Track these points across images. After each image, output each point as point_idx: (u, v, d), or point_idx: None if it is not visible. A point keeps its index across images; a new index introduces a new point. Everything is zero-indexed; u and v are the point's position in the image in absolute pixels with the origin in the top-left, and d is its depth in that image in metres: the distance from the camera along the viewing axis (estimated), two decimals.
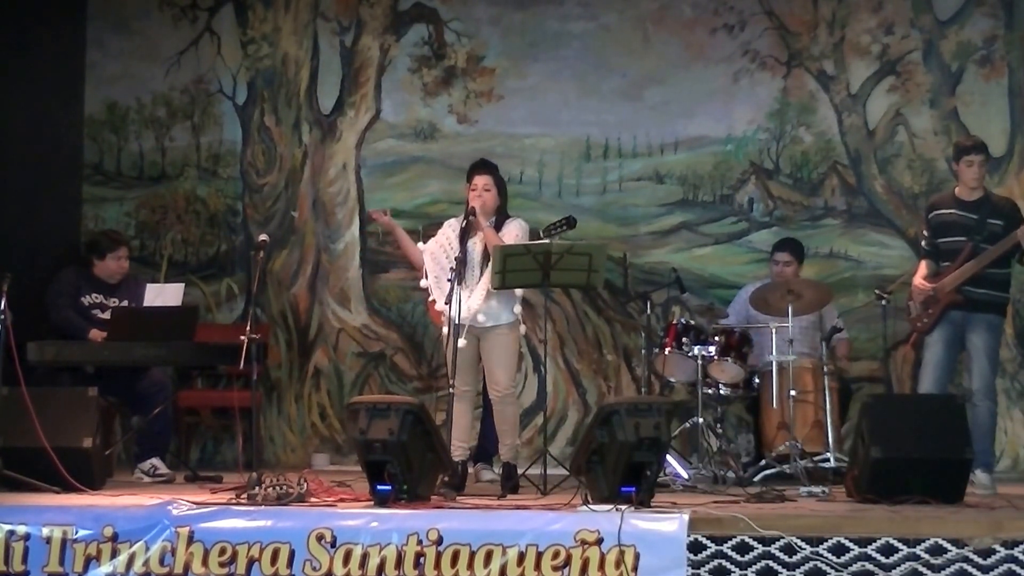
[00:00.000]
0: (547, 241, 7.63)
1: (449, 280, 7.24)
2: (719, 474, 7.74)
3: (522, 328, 7.58)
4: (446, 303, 7.23)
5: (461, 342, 7.26)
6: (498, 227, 7.46)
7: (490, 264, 7.28)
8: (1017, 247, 7.52)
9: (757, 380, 8.42)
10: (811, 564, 5.70)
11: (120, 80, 10.22)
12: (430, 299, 7.61)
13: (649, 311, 8.55)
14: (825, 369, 8.20)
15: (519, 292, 7.44)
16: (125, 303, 8.24)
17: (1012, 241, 7.50)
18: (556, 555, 5.70)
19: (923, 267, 7.87)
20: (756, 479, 7.84)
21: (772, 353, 8.08)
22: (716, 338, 8.26)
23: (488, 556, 5.73)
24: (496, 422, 7.64)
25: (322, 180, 10.07)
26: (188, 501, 6.17)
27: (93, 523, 5.97)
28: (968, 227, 7.66)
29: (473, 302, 7.30)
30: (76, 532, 5.95)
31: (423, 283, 7.55)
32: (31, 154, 9.22)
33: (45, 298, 8.20)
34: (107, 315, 8.11)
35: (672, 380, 8.54)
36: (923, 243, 7.98)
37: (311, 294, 10.00)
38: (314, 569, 5.80)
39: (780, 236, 9.39)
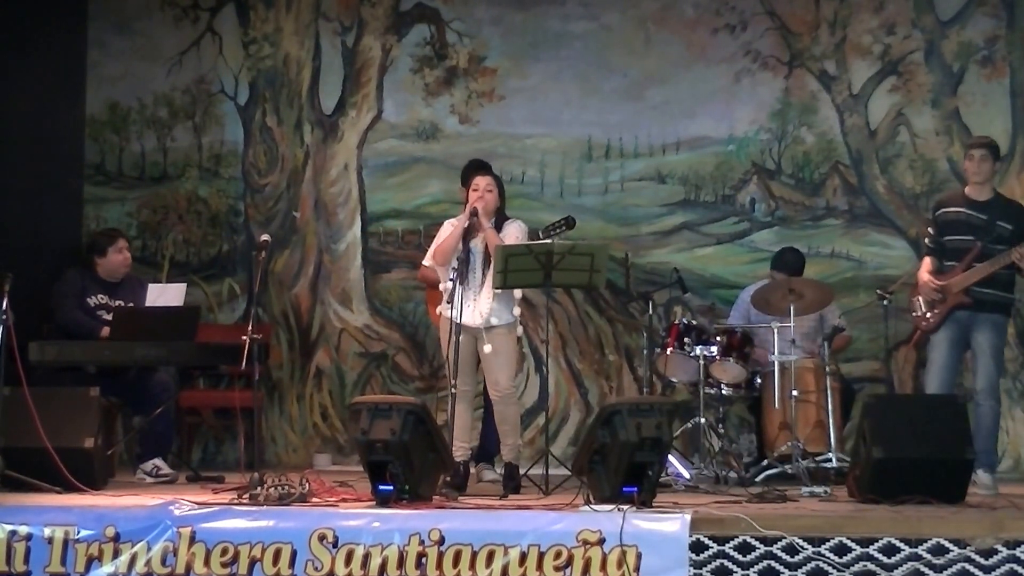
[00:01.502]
0: (549, 241, 7.62)
1: (451, 280, 7.24)
2: (721, 474, 7.75)
3: (519, 329, 7.58)
4: (447, 302, 7.23)
5: (487, 348, 7.28)
6: (497, 228, 7.44)
7: (491, 265, 7.28)
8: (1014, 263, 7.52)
9: (759, 380, 8.42)
10: (813, 564, 5.70)
11: (121, 80, 10.23)
12: (438, 308, 7.58)
13: (651, 311, 8.55)
14: (827, 369, 8.20)
15: (518, 293, 7.44)
16: (129, 303, 8.24)
17: (1008, 259, 7.48)
18: (558, 555, 5.69)
19: (928, 263, 7.84)
20: (758, 479, 7.84)
21: (774, 353, 8.07)
22: (718, 338, 8.26)
23: (490, 556, 5.73)
24: (497, 422, 7.64)
25: (324, 180, 10.07)
26: (190, 501, 6.17)
27: (95, 523, 5.97)
28: (976, 227, 7.63)
29: (483, 306, 7.31)
30: (78, 532, 5.94)
31: (443, 287, 7.51)
32: (32, 154, 9.22)
33: (51, 300, 8.19)
34: (110, 316, 8.12)
35: (674, 380, 8.53)
36: (926, 240, 7.94)
37: (313, 294, 10.00)
38: (316, 569, 5.80)
39: (782, 236, 9.41)
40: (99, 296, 8.24)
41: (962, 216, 7.69)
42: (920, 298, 7.76)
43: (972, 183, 7.74)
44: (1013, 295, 7.80)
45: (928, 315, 7.71)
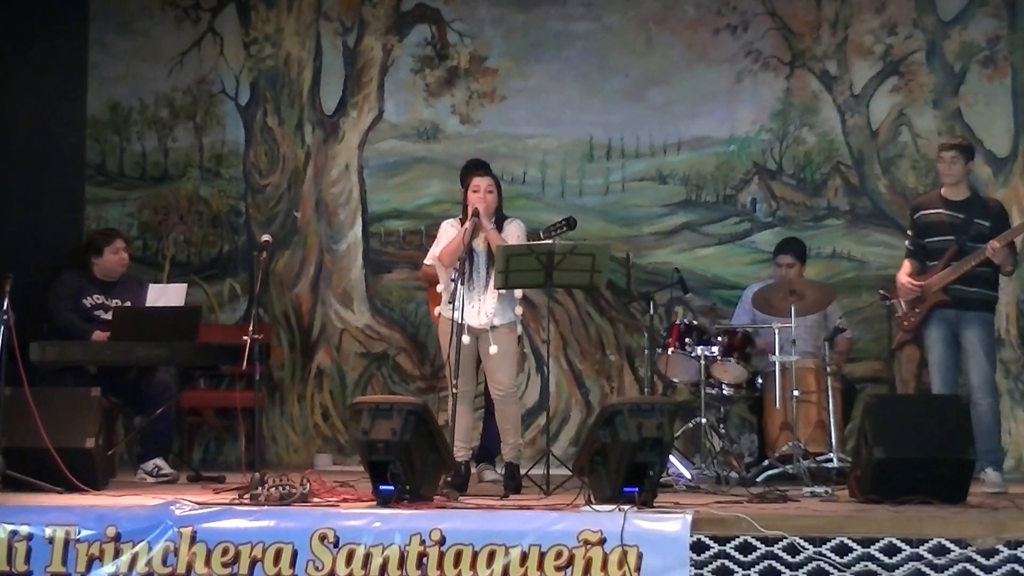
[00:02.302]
0: (550, 241, 7.62)
1: (452, 280, 7.23)
2: (722, 474, 7.74)
3: (519, 328, 7.58)
4: (448, 302, 7.23)
5: (493, 348, 7.29)
6: (497, 227, 7.45)
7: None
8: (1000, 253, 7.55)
9: (760, 380, 8.42)
10: (814, 564, 5.69)
11: (122, 81, 10.23)
12: (437, 309, 7.58)
13: (652, 311, 8.55)
14: (828, 369, 8.20)
15: (519, 292, 7.45)
16: (127, 303, 8.24)
17: (983, 255, 7.51)
18: (559, 555, 5.69)
19: (907, 265, 7.91)
20: (759, 479, 7.84)
21: (775, 353, 8.07)
22: (719, 338, 8.26)
23: (491, 556, 5.73)
24: (498, 421, 7.64)
25: (325, 180, 10.07)
26: (191, 501, 6.17)
27: (96, 523, 5.97)
28: (955, 226, 7.69)
29: (488, 307, 7.32)
30: (79, 532, 5.95)
31: (441, 288, 7.50)
32: (33, 155, 9.23)
33: (47, 302, 8.18)
34: (109, 315, 8.12)
35: (675, 380, 8.52)
36: (907, 243, 8.01)
37: (314, 294, 10.00)
38: (317, 569, 5.80)
39: (783, 237, 9.38)
40: (95, 296, 8.24)
41: (941, 217, 7.75)
42: (900, 299, 7.81)
43: (946, 184, 7.79)
44: (997, 293, 7.84)
45: (909, 315, 7.75)
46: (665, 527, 5.72)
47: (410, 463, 6.27)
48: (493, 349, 7.30)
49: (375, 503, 6.24)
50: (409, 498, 6.23)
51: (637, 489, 6.09)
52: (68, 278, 8.29)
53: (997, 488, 7.26)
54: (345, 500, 6.48)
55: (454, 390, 7.22)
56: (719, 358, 8.21)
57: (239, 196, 10.15)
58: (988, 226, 7.63)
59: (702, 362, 8.14)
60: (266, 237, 7.65)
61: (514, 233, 7.46)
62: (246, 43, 10.20)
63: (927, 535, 5.70)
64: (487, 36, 10.05)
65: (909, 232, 7.98)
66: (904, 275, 7.86)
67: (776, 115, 9.78)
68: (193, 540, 5.89)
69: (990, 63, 9.59)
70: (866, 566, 5.67)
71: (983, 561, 5.63)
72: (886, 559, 5.67)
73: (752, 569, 5.72)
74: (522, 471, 7.44)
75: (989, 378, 7.64)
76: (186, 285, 8.49)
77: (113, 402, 7.93)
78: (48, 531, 5.96)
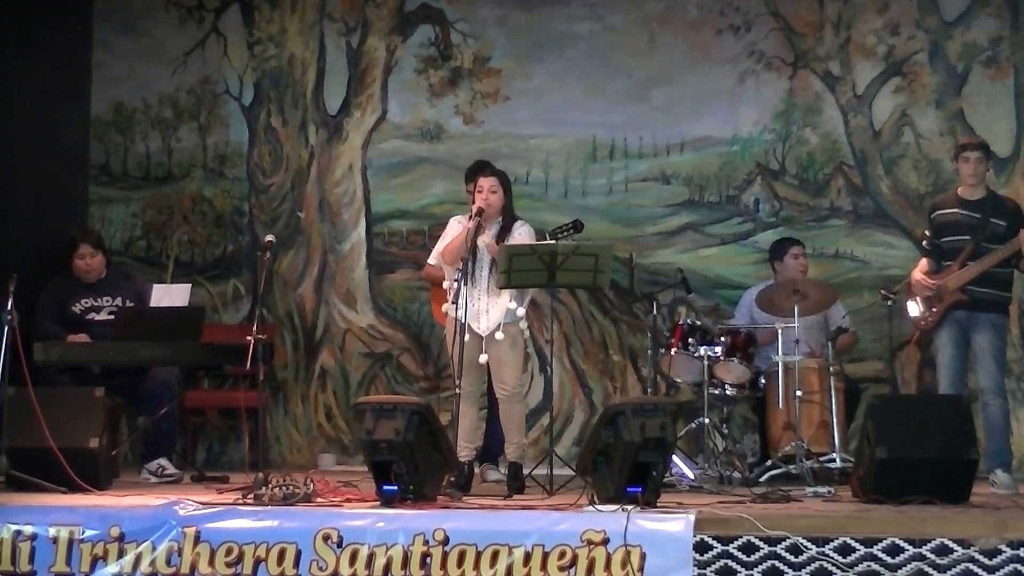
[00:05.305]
0: (553, 241, 7.63)
1: (456, 280, 7.24)
2: (725, 474, 7.75)
3: (525, 330, 7.59)
4: (452, 302, 7.24)
5: (482, 356, 7.28)
6: (506, 229, 7.44)
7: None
8: (1017, 252, 7.54)
9: (763, 380, 8.42)
10: (817, 564, 5.70)
11: (126, 81, 10.24)
12: (443, 307, 7.59)
13: (655, 312, 8.56)
14: (831, 369, 8.20)
15: (540, 298, 7.45)
16: (118, 300, 8.22)
17: (1013, 248, 7.52)
18: (562, 555, 5.70)
19: (923, 264, 7.90)
20: (762, 479, 7.84)
21: (778, 353, 8.07)
22: (722, 338, 8.26)
23: (494, 556, 5.73)
24: (502, 420, 7.62)
25: (328, 181, 10.08)
26: (194, 501, 6.17)
27: (100, 523, 5.98)
28: (971, 226, 7.67)
29: (490, 306, 7.32)
30: (83, 532, 5.95)
31: (447, 285, 7.52)
32: (37, 155, 9.23)
33: (34, 314, 8.09)
34: (103, 315, 8.13)
35: (678, 380, 8.52)
36: (924, 243, 7.99)
37: (317, 295, 10.01)
38: (320, 569, 5.80)
39: (785, 237, 9.37)
40: (83, 300, 8.20)
41: (957, 216, 7.74)
42: (917, 298, 7.80)
43: (967, 184, 7.78)
44: (1010, 294, 7.83)
45: (927, 315, 7.74)
46: (668, 527, 5.72)
47: (413, 463, 6.28)
48: (483, 357, 7.30)
49: (378, 503, 6.24)
50: (412, 498, 6.24)
51: (640, 489, 6.10)
52: (51, 288, 8.21)
53: (1007, 490, 7.26)
54: (348, 500, 6.48)
55: (458, 390, 7.23)
56: (722, 358, 8.21)
57: (243, 196, 10.16)
58: (1004, 225, 7.61)
59: (705, 362, 8.15)
60: (270, 237, 7.66)
61: (523, 237, 7.45)
62: (250, 43, 10.20)
63: (930, 535, 5.71)
64: (490, 36, 10.05)
65: (927, 232, 7.97)
66: (919, 272, 7.86)
67: (779, 115, 9.78)
68: (197, 540, 5.90)
69: (992, 63, 9.59)
70: (869, 566, 5.68)
71: (986, 561, 5.63)
72: (889, 559, 5.68)
73: (755, 569, 5.73)
74: (525, 471, 7.45)
75: (999, 380, 7.65)
76: (190, 285, 8.51)
77: (117, 402, 7.94)
78: (52, 531, 5.97)
